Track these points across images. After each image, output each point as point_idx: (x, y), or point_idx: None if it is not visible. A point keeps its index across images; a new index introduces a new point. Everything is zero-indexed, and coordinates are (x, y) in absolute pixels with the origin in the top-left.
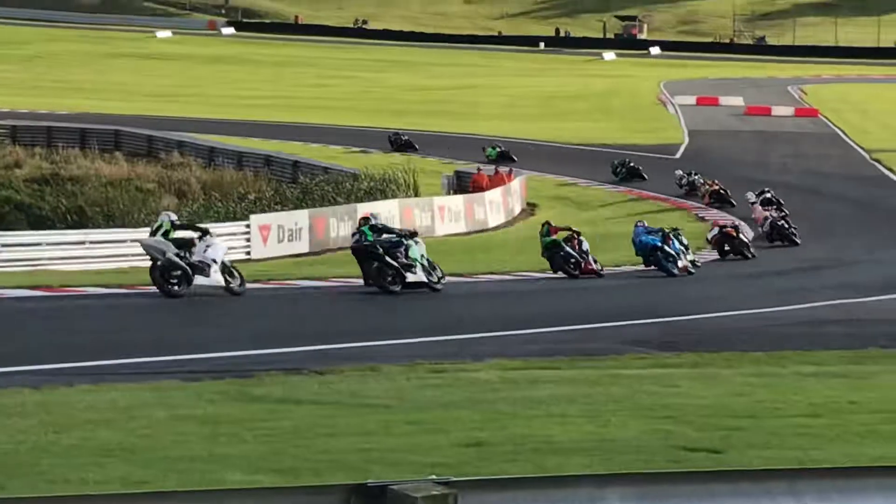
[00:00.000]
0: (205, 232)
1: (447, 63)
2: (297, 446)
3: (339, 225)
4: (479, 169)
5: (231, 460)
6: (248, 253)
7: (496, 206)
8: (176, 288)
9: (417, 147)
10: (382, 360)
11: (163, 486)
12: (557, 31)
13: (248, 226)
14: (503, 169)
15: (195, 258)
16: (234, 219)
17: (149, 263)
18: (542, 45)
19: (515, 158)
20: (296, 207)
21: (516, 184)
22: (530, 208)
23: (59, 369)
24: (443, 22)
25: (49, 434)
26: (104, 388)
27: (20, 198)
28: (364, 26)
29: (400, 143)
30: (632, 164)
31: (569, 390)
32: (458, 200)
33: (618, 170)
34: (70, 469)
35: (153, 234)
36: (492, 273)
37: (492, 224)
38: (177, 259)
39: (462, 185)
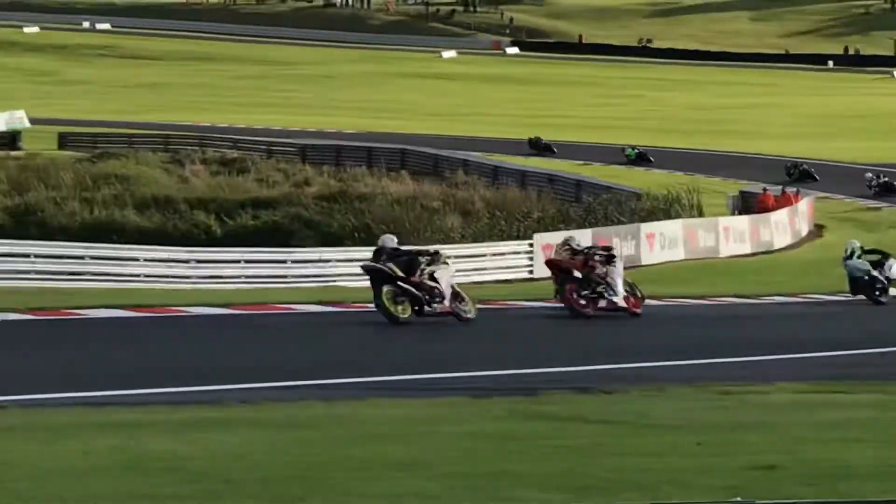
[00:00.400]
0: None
1: (733, 82)
2: (586, 465)
3: (623, 244)
4: (765, 189)
5: (521, 477)
6: (531, 272)
7: (782, 227)
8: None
9: (556, 150)
10: (669, 380)
11: (456, 501)
12: (847, 49)
13: (531, 245)
14: (790, 190)
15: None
16: (518, 238)
17: None
18: (830, 63)
19: (652, 160)
20: (579, 227)
21: (803, 204)
22: (818, 230)
23: (349, 384)
24: (728, 40)
25: (343, 448)
26: (395, 403)
27: (309, 215)
28: (648, 45)
29: (540, 145)
30: (804, 167)
31: (861, 414)
32: (743, 221)
33: (791, 171)
34: (364, 483)
35: (848, 258)
36: (778, 294)
37: (777, 245)
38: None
39: (747, 205)
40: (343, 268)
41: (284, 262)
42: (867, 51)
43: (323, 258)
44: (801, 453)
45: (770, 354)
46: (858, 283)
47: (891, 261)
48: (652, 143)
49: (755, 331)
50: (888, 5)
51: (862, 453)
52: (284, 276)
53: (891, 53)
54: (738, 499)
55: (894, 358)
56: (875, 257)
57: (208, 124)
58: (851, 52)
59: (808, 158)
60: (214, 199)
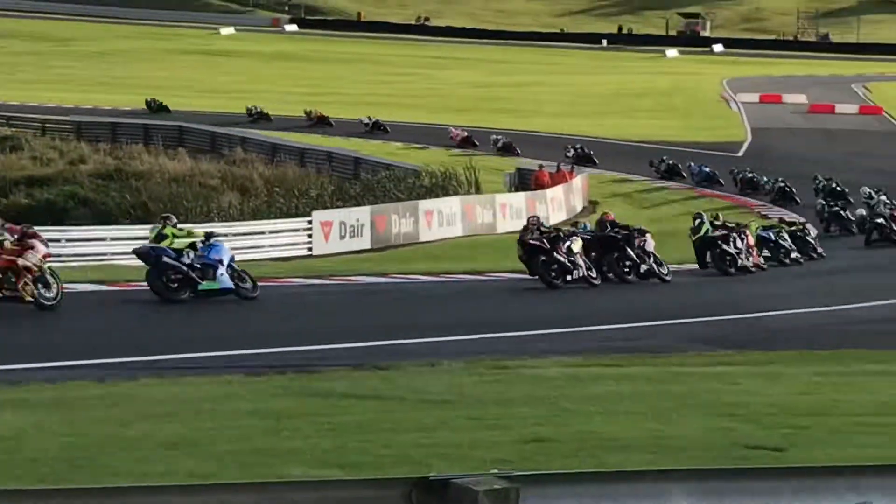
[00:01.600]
0: None
1: (510, 60)
2: (360, 441)
3: (401, 221)
4: (540, 166)
5: (294, 454)
6: (310, 249)
7: (558, 203)
8: None
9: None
10: (443, 355)
11: (228, 479)
12: (620, 28)
13: (310, 222)
14: (565, 166)
15: None
16: (297, 215)
17: None
18: (604, 42)
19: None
20: (357, 204)
21: (578, 181)
22: (592, 206)
23: (123, 363)
24: (505, 19)
25: (114, 427)
26: (168, 382)
27: (85, 193)
28: (426, 23)
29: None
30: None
31: (631, 387)
32: (519, 198)
33: (571, 153)
34: (135, 462)
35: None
36: None
37: (553, 221)
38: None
39: (524, 182)
40: (118, 246)
41: (59, 240)
42: (640, 30)
43: (97, 237)
44: (571, 426)
45: (544, 329)
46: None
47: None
48: (429, 120)
49: (530, 305)
50: None
51: (629, 425)
52: (59, 255)
53: (662, 33)
54: (495, 470)
55: (661, 331)
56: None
57: None
58: (625, 31)
59: (584, 136)
60: None
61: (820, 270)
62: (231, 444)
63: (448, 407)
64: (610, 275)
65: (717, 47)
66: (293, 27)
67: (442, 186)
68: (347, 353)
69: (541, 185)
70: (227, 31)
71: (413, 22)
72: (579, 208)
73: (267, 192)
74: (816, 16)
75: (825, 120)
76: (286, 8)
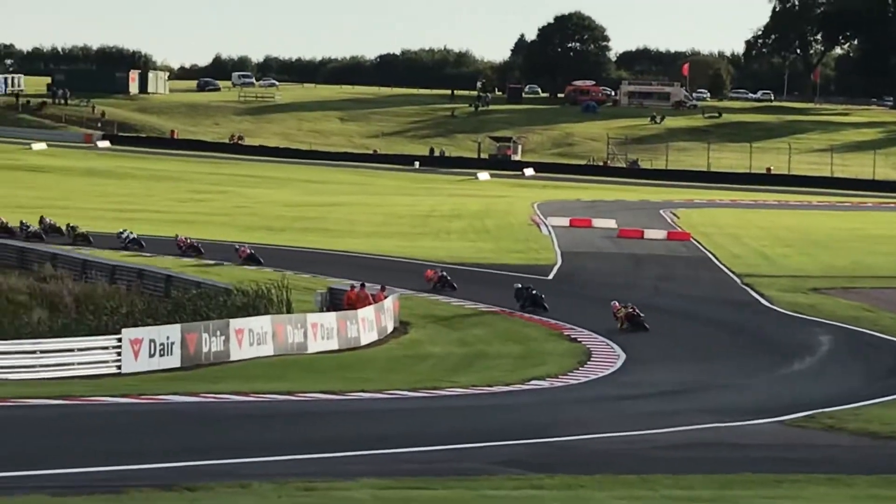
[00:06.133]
0: None
1: (323, 180)
2: None
3: (212, 340)
4: (352, 286)
5: None
6: (119, 367)
7: (369, 323)
8: None
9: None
10: (253, 477)
11: None
12: (432, 150)
13: (119, 339)
14: (375, 286)
15: None
16: (106, 332)
17: None
18: (417, 164)
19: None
20: (167, 322)
21: (389, 302)
22: (403, 327)
23: None
24: (318, 139)
25: None
26: None
27: None
28: (240, 142)
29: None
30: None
31: None
32: (330, 317)
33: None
34: None
35: None
36: (363, 391)
37: (364, 342)
38: None
39: (335, 302)
40: None
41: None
42: (452, 153)
43: None
44: None
45: (355, 450)
46: None
47: None
48: (240, 238)
49: (340, 427)
50: (472, 109)
51: None
52: None
53: (474, 155)
54: None
55: (475, 453)
56: None
57: None
58: (437, 153)
59: (397, 256)
60: None
61: (625, 394)
62: None
63: None
64: None
65: (528, 171)
66: (106, 143)
67: (253, 305)
68: (155, 473)
69: (352, 305)
70: (38, 146)
71: (227, 140)
72: (390, 329)
73: (76, 308)
74: (625, 142)
75: (634, 244)
76: (98, 124)
